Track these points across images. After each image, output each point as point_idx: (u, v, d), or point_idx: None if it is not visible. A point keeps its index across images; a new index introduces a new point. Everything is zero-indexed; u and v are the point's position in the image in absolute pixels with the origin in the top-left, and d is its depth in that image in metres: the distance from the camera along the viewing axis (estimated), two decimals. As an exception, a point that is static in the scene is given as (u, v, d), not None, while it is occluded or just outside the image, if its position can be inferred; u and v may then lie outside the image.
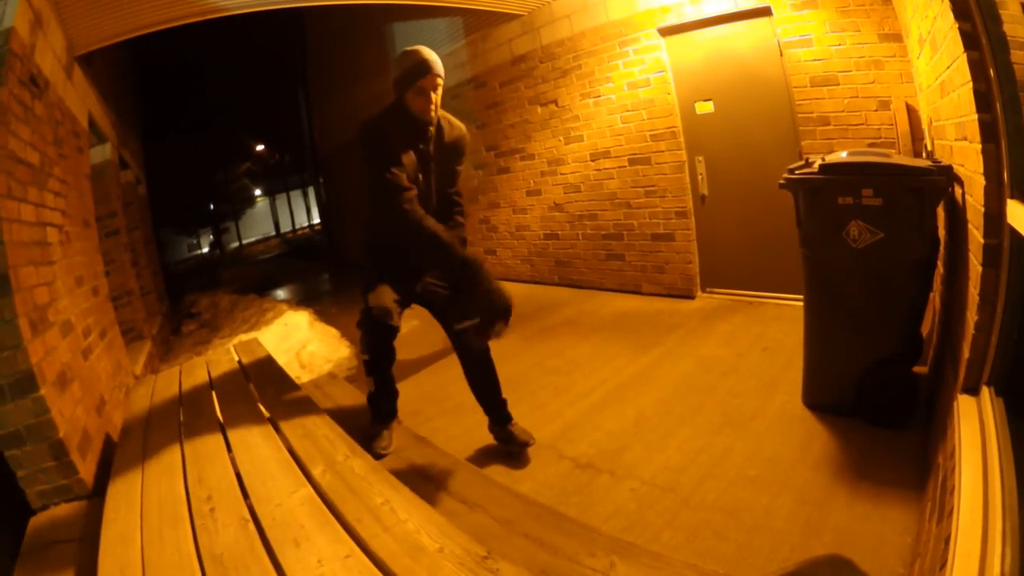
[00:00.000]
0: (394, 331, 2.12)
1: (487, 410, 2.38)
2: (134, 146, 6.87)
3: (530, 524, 1.62)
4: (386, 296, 2.10)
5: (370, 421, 2.37)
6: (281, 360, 3.14)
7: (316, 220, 25.79)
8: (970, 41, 1.41)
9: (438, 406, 3.06)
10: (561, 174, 5.00)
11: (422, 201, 2.07)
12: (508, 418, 2.36)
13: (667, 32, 3.95)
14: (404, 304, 2.18)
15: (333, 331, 5.23)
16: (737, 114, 3.75)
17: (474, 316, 2.03)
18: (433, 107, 2.02)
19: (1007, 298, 1.38)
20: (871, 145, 3.00)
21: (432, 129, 2.09)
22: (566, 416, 2.69)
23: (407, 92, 2.00)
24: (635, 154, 4.33)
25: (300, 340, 4.90)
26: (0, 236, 1.82)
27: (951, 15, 1.47)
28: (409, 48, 2.00)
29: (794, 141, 3.44)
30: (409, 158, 2.03)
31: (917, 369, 2.18)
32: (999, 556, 0.96)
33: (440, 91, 2.03)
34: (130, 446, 1.89)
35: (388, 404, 2.38)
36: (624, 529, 1.81)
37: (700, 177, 4.04)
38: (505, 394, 2.37)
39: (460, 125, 2.22)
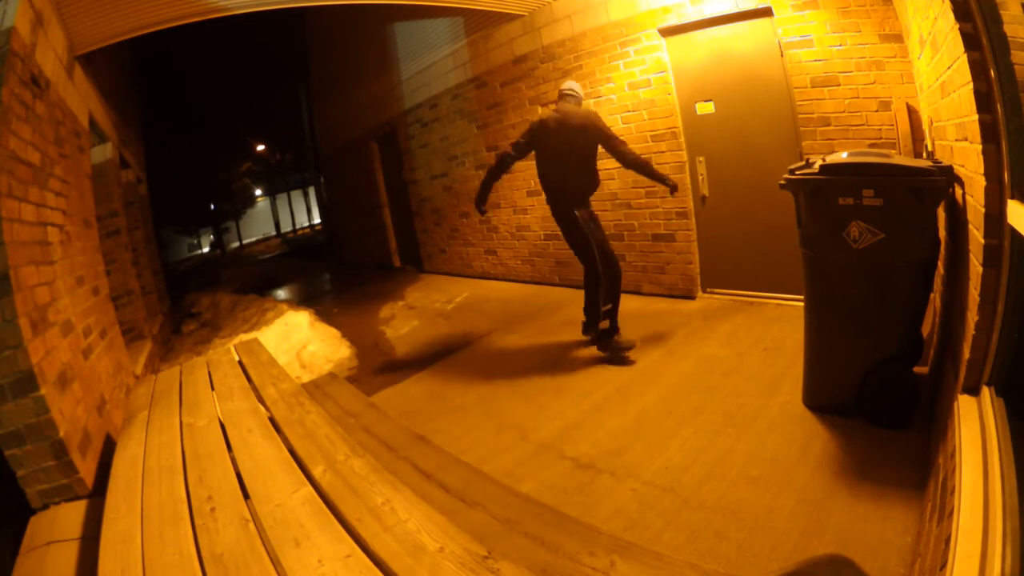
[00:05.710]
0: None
1: (595, 318, 3.33)
2: (135, 145, 6.87)
3: (531, 523, 1.62)
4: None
5: (608, 333, 3.33)
6: (282, 360, 3.15)
7: (317, 220, 25.80)
8: (971, 42, 1.41)
9: (439, 406, 3.06)
10: (562, 174, 4.99)
11: None
12: (615, 330, 3.35)
13: (668, 32, 3.95)
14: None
15: (334, 331, 5.22)
16: (738, 115, 3.75)
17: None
18: None
19: (1007, 298, 1.38)
20: (872, 146, 3.00)
21: None
22: (568, 416, 2.69)
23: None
24: (636, 154, 4.33)
25: (301, 340, 4.89)
26: (1, 236, 1.83)
27: (952, 16, 1.47)
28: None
29: (795, 142, 3.44)
30: None
31: (918, 369, 2.18)
32: (999, 556, 0.96)
33: None
34: (130, 445, 1.89)
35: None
36: (625, 529, 1.81)
37: (701, 177, 4.04)
38: (507, 392, 2.38)
39: None
